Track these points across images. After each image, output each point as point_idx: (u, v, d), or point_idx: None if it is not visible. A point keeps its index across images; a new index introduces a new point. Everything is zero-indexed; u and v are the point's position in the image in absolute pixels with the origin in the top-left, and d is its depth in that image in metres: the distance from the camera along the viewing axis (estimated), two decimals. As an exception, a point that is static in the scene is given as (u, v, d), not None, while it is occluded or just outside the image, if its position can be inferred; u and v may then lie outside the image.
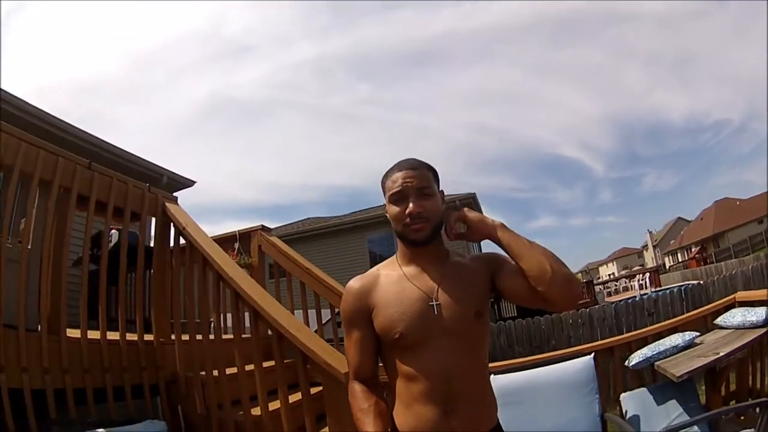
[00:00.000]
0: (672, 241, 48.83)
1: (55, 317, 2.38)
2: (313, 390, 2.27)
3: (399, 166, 1.34)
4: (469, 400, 1.24)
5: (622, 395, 2.78)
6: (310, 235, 16.92)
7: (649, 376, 2.97)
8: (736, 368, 2.91)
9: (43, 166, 2.40)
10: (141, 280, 3.02)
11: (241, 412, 2.36)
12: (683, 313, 6.26)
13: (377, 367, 1.37)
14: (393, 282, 1.33)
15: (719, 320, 3.01)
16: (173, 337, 2.80)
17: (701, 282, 7.73)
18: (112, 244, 3.08)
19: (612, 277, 46.01)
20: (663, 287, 18.42)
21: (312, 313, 3.56)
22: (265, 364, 2.41)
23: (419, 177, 1.31)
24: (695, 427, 2.41)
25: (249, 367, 2.44)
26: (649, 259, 53.56)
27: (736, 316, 2.88)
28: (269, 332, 2.34)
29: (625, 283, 29.28)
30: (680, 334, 2.88)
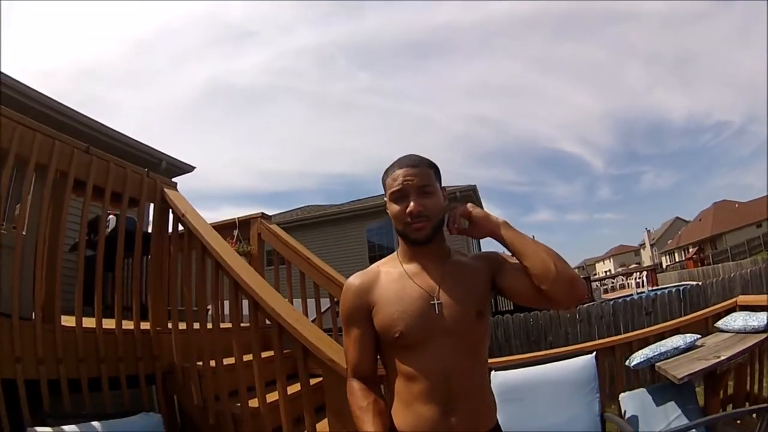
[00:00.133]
0: (669, 241, 48.96)
1: (50, 305, 2.34)
2: (312, 381, 2.24)
3: (400, 164, 1.31)
4: (468, 400, 1.23)
5: (621, 395, 2.77)
6: (308, 223, 16.86)
7: (648, 377, 2.95)
8: (734, 372, 2.89)
9: (39, 150, 2.35)
10: (138, 266, 2.99)
11: (239, 404, 2.34)
12: (681, 314, 6.34)
13: (376, 365, 1.35)
14: (394, 279, 1.32)
15: (720, 323, 2.99)
16: (170, 325, 2.77)
17: (700, 283, 7.74)
18: (109, 230, 3.04)
19: (609, 274, 46.21)
20: (660, 286, 18.53)
21: (311, 302, 3.53)
22: (264, 355, 2.38)
23: (420, 175, 1.28)
24: (693, 430, 2.41)
25: (247, 357, 2.41)
26: (647, 258, 53.80)
27: (737, 320, 2.85)
28: (267, 322, 2.31)
29: (622, 280, 29.41)
30: (681, 335, 2.86)
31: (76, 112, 6.57)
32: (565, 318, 6.67)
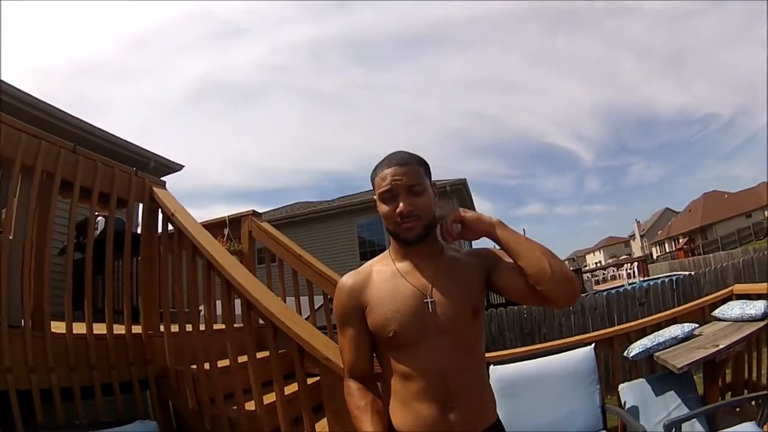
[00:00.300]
0: (659, 232, 49.41)
1: (39, 312, 2.28)
2: (309, 380, 2.20)
3: (388, 162, 1.28)
4: (467, 398, 1.22)
5: (621, 386, 2.78)
6: (299, 219, 16.77)
7: (646, 367, 2.95)
8: (732, 361, 2.89)
9: (25, 151, 2.28)
10: (128, 268, 2.93)
11: (235, 407, 2.28)
12: (675, 304, 6.37)
13: (372, 364, 1.34)
14: (386, 278, 1.30)
15: (717, 312, 3.00)
16: (162, 328, 2.71)
17: (692, 273, 7.78)
18: (98, 232, 2.98)
19: (599, 265, 46.51)
20: (652, 277, 18.65)
21: (304, 300, 3.50)
22: (259, 355, 2.34)
23: (409, 174, 1.25)
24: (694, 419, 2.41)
25: (242, 359, 2.36)
26: (637, 249, 54.23)
27: (734, 309, 2.86)
28: (261, 321, 2.26)
29: (614, 271, 29.60)
30: (679, 325, 2.86)
31: (64, 112, 6.46)
32: (558, 310, 6.65)
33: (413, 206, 1.23)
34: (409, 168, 1.26)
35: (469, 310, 1.24)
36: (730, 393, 3.00)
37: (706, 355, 2.45)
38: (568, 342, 2.89)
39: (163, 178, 3.33)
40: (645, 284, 7.63)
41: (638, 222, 56.85)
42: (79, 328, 2.40)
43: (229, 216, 3.84)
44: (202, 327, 2.60)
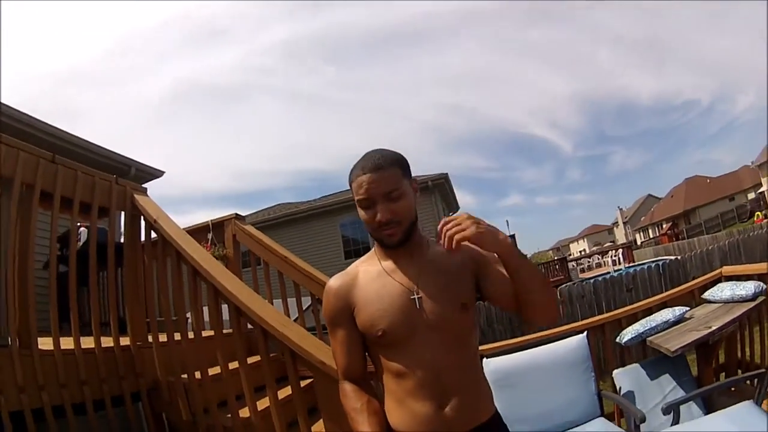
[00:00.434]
0: (642, 218, 50.11)
1: (25, 329, 2.20)
2: (302, 383, 2.16)
3: (363, 167, 1.22)
4: (462, 393, 1.22)
5: (615, 372, 2.79)
6: (281, 221, 16.74)
7: (639, 352, 2.96)
8: (724, 341, 2.92)
9: (4, 162, 2.20)
10: (113, 278, 2.86)
11: (229, 415, 2.24)
12: (662, 289, 6.44)
13: (366, 365, 1.33)
14: (373, 278, 1.29)
15: (707, 294, 3.02)
16: (150, 339, 2.65)
17: (678, 258, 7.88)
18: (81, 243, 2.90)
19: (583, 253, 47.02)
20: (637, 263, 18.88)
21: (291, 301, 3.45)
22: (250, 360, 2.29)
23: (385, 179, 1.20)
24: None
25: (233, 365, 2.31)
26: (621, 236, 54.91)
27: (724, 291, 2.88)
28: (249, 326, 2.22)
29: (598, 259, 29.89)
30: (670, 309, 2.88)
31: (42, 122, 6.33)
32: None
33: (392, 213, 1.20)
34: (385, 173, 1.21)
35: (458, 305, 1.23)
36: (723, 373, 3.03)
37: (699, 338, 2.47)
38: (560, 331, 2.88)
39: (144, 185, 3.27)
40: (631, 270, 7.69)
41: (621, 209, 57.58)
42: (66, 342, 2.33)
43: (212, 220, 3.78)
44: (190, 335, 2.55)
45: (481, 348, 2.47)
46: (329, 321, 1.33)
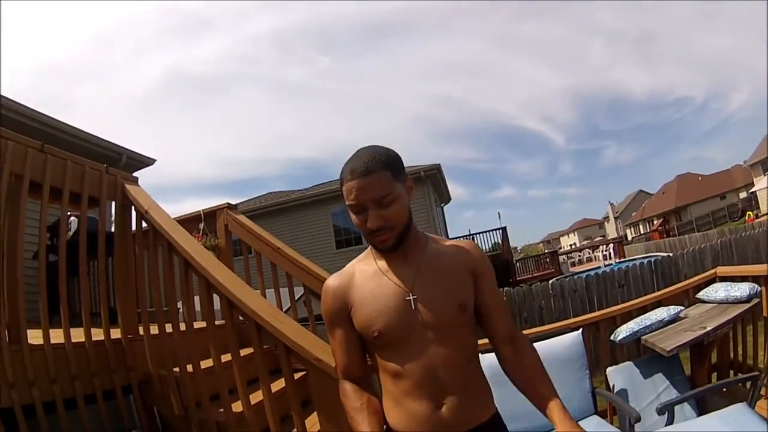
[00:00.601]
0: (633, 213, 50.45)
1: (15, 323, 2.16)
2: (295, 375, 2.14)
3: (353, 170, 1.16)
4: (459, 393, 1.21)
5: (609, 369, 2.78)
6: (272, 210, 16.70)
7: (631, 350, 2.96)
8: (718, 342, 2.92)
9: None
10: (103, 269, 2.81)
11: (222, 409, 2.21)
12: (654, 286, 6.46)
13: (366, 364, 1.32)
14: (369, 278, 1.28)
15: (702, 294, 3.01)
16: (141, 330, 2.62)
17: (671, 255, 7.89)
18: (71, 233, 2.85)
19: (574, 247, 47.34)
20: (628, 258, 18.99)
21: (284, 291, 3.43)
22: (243, 353, 2.26)
23: (375, 185, 1.15)
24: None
25: (225, 358, 2.28)
26: (611, 231, 55.34)
27: (719, 291, 2.88)
28: (240, 318, 2.19)
29: (589, 253, 30.12)
30: (665, 308, 2.87)
31: (30, 109, 6.21)
32: (538, 293, 6.68)
33: (383, 219, 1.17)
34: (375, 177, 1.15)
35: (455, 307, 1.21)
36: (716, 374, 3.04)
37: (694, 338, 2.46)
38: (555, 327, 2.88)
39: (135, 173, 3.22)
40: (623, 266, 7.71)
41: (612, 204, 57.96)
42: (55, 335, 2.29)
43: (204, 210, 3.74)
44: (182, 326, 2.51)
45: (474, 344, 2.46)
46: (328, 321, 1.32)
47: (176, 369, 2.40)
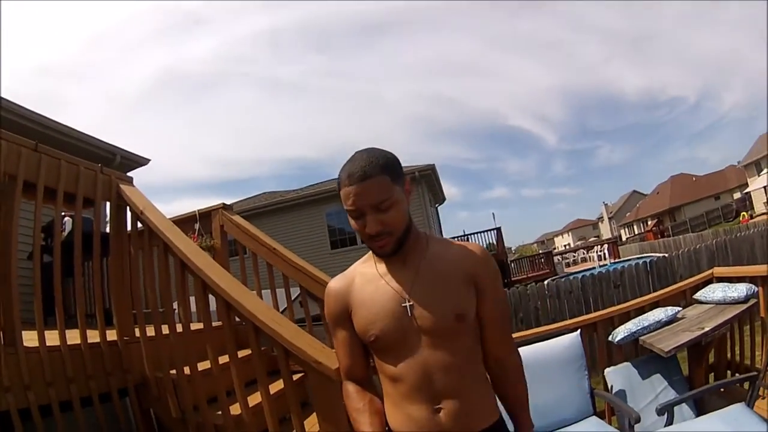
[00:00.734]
0: (628, 214, 50.67)
1: (10, 326, 2.13)
2: (294, 377, 2.13)
3: (350, 174, 1.15)
4: (457, 398, 1.19)
5: (607, 370, 2.79)
6: (266, 210, 16.63)
7: (628, 350, 2.96)
8: (715, 343, 2.93)
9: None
10: (98, 270, 2.78)
11: (220, 412, 2.19)
12: (649, 286, 6.46)
13: (368, 366, 1.32)
14: (368, 281, 1.28)
15: (699, 295, 3.02)
16: (137, 332, 2.59)
17: (666, 255, 7.92)
18: (66, 234, 2.82)
19: (568, 247, 47.47)
20: (622, 259, 19.06)
21: (280, 292, 3.41)
22: (240, 354, 2.24)
23: (373, 190, 1.14)
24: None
25: (222, 359, 2.26)
26: (605, 231, 55.54)
27: (716, 292, 2.88)
28: (237, 318, 2.17)
29: (584, 254, 30.19)
30: (663, 309, 2.87)
31: (23, 107, 6.15)
32: (534, 293, 6.67)
33: (382, 225, 1.16)
34: (372, 183, 1.14)
35: (452, 317, 1.19)
36: (713, 374, 3.04)
37: (692, 339, 2.46)
38: (553, 329, 2.87)
39: (129, 173, 3.19)
40: (618, 266, 7.72)
41: (606, 204, 58.18)
42: (51, 337, 2.26)
43: (199, 210, 3.71)
44: (179, 328, 2.49)
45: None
46: (330, 323, 1.33)
47: (173, 371, 2.37)
